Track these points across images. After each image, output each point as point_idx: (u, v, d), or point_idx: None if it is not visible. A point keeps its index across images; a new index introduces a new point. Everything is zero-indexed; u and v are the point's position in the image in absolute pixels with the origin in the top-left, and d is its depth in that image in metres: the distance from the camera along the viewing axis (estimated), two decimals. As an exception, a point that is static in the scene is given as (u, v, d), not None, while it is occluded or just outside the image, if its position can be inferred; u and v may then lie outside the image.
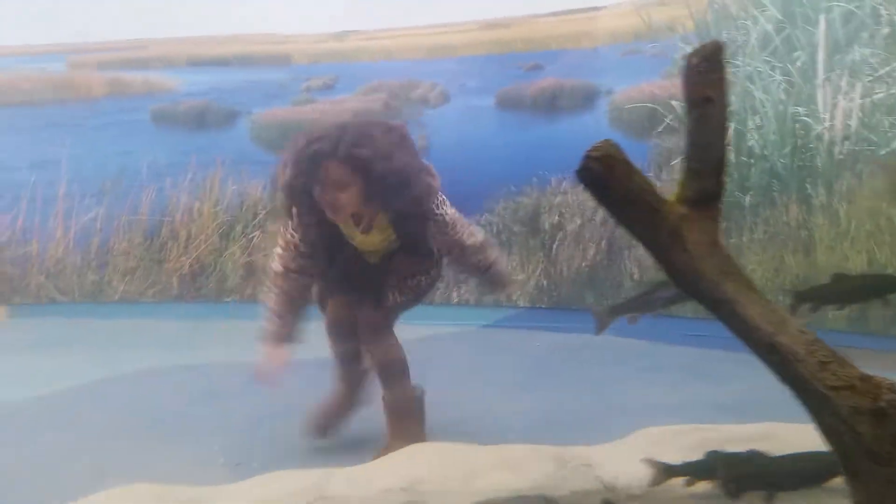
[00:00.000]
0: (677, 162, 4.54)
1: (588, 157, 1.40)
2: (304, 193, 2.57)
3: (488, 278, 2.96)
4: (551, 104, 4.95)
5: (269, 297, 2.73)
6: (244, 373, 3.85)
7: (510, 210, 4.92)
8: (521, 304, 4.92)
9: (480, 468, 2.27)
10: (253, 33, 5.56)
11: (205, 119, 5.56)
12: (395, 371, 2.77)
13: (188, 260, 5.40)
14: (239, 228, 5.35)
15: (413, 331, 4.69)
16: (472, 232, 2.80)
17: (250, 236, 5.34)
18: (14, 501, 2.42)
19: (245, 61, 5.60)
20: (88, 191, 5.53)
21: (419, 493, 2.19)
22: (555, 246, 4.86)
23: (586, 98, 4.89)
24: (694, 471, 2.00)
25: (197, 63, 5.66)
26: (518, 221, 4.91)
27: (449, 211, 2.69)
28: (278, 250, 2.72)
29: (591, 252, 4.77)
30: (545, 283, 4.87)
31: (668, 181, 4.58)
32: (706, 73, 1.38)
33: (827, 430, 1.26)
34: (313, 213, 2.60)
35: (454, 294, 5.03)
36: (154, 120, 5.60)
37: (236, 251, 5.34)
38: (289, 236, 2.68)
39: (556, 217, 4.83)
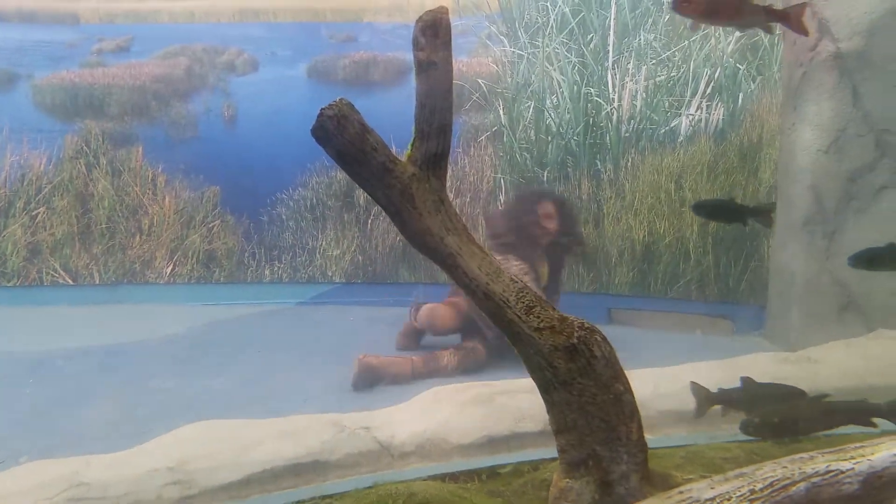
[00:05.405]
0: (484, 138, 4.69)
1: (322, 115, 1.44)
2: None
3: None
4: (364, 77, 4.91)
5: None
6: (23, 363, 3.52)
7: (324, 185, 4.83)
8: (336, 279, 4.87)
9: (256, 441, 2.21)
10: (36, -12, 4.99)
11: (-22, 82, 4.91)
12: None
13: (-40, 240, 4.76)
14: (20, 204, 4.79)
15: (230, 310, 4.56)
16: None
17: (34, 213, 4.81)
18: None
19: (26, 18, 5.01)
20: None
21: (187, 472, 2.08)
22: (370, 221, 4.85)
23: (399, 72, 4.89)
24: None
25: (-35, 17, 4.98)
26: (332, 196, 4.84)
27: None
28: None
29: (405, 226, 4.80)
30: (360, 258, 4.84)
31: (475, 157, 4.73)
32: (431, 39, 1.46)
33: (532, 367, 1.34)
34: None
35: (266, 272, 4.87)
36: None
37: (17, 230, 4.78)
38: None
39: (371, 192, 4.80)
